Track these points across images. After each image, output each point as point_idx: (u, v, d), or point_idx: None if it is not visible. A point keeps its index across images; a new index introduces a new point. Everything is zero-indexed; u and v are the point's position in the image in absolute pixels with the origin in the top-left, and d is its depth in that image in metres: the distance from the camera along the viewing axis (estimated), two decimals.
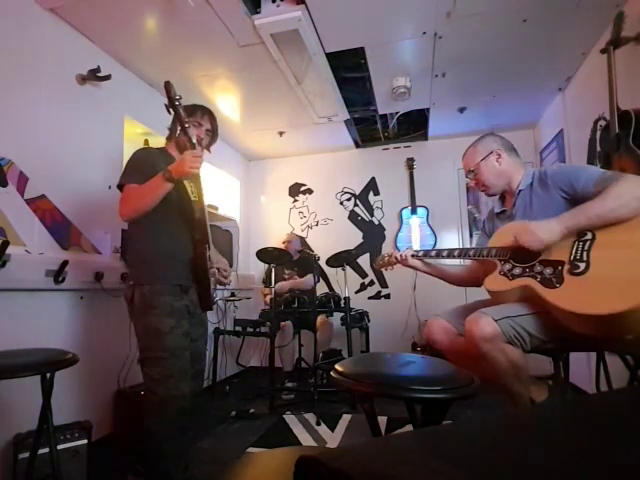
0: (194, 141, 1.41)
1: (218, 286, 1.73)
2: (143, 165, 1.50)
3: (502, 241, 1.42)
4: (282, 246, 3.44)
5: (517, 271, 1.32)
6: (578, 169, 1.35)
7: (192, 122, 1.53)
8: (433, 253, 1.63)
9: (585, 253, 1.18)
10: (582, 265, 1.17)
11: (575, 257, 1.20)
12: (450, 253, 1.57)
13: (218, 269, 1.67)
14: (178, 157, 1.58)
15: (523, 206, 1.46)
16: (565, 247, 1.23)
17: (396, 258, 1.69)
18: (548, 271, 1.23)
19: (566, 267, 1.20)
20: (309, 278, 3.25)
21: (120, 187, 1.50)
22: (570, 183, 1.31)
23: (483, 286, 1.41)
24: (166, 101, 1.39)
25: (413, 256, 1.66)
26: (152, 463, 1.47)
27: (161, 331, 1.42)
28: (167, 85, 1.34)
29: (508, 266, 1.35)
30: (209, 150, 1.68)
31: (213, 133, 1.65)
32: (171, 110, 1.40)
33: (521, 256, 1.32)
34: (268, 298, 3.06)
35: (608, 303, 1.05)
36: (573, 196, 1.31)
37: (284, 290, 3.23)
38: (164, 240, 1.51)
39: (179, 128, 1.47)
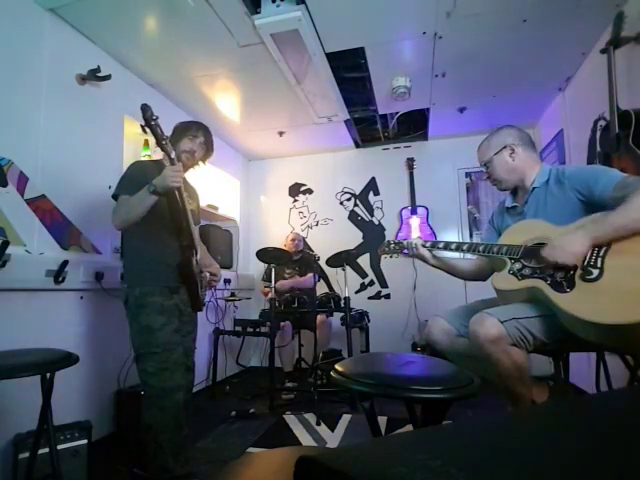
0: (172, 156, 1.50)
1: (208, 288, 1.84)
2: (136, 178, 1.59)
3: (514, 239, 1.39)
4: (292, 244, 3.44)
5: (527, 271, 1.29)
6: (598, 172, 1.31)
7: (188, 135, 1.68)
8: (441, 245, 1.59)
9: (599, 259, 1.15)
10: (595, 272, 1.14)
11: (589, 263, 1.16)
12: (459, 246, 1.54)
13: (209, 273, 1.80)
14: None
15: (535, 204, 1.43)
16: None
17: (404, 246, 1.66)
18: (560, 275, 1.20)
19: (578, 272, 1.17)
20: (310, 276, 3.25)
21: (115, 197, 1.61)
22: (588, 185, 1.28)
23: (490, 283, 1.38)
24: (142, 122, 1.44)
25: (423, 246, 1.61)
26: (151, 457, 1.51)
27: (153, 328, 1.53)
28: (144, 107, 1.41)
29: (518, 265, 1.32)
30: (204, 162, 1.80)
31: (207, 146, 1.75)
32: (147, 130, 1.45)
33: (532, 256, 1.30)
34: (269, 295, 3.06)
35: (620, 313, 1.02)
36: (590, 199, 1.27)
37: (285, 288, 3.23)
38: (154, 246, 1.62)
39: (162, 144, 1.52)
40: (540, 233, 1.31)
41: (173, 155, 1.51)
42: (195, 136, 1.70)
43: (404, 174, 3.80)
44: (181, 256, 1.64)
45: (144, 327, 1.53)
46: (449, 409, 0.92)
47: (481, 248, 1.45)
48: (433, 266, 1.64)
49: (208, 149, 1.76)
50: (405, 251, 1.68)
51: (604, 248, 1.17)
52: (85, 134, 2.10)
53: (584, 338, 1.13)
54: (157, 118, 1.44)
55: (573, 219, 1.25)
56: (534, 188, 1.44)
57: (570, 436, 0.36)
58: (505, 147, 1.48)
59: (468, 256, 1.61)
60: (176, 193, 1.55)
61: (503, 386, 1.24)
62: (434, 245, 1.61)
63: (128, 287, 1.60)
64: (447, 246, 1.56)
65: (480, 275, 1.63)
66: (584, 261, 1.18)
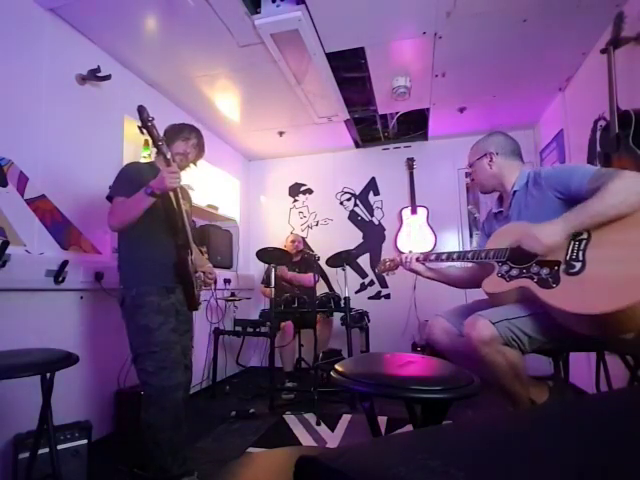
0: (168, 157, 1.51)
1: (204, 287, 1.85)
2: (131, 179, 1.59)
3: (500, 242, 1.42)
4: (291, 246, 3.44)
5: (514, 272, 1.32)
6: (571, 169, 1.34)
7: (181, 137, 1.69)
8: (433, 257, 1.64)
9: (581, 253, 1.18)
10: (578, 265, 1.17)
11: (571, 257, 1.19)
12: (449, 256, 1.58)
13: (204, 272, 1.80)
14: None
15: (518, 207, 1.46)
16: (561, 247, 1.23)
17: (399, 262, 1.72)
18: (545, 271, 1.23)
19: (562, 267, 1.20)
20: (310, 275, 3.25)
21: (109, 199, 1.61)
22: (564, 183, 1.31)
23: (481, 288, 1.41)
24: (139, 123, 1.45)
25: (417, 260, 1.67)
26: (150, 457, 1.51)
27: (150, 328, 1.53)
28: (140, 108, 1.42)
29: (505, 267, 1.36)
30: (195, 164, 1.80)
31: (199, 148, 1.76)
32: (144, 131, 1.47)
33: (518, 257, 1.33)
34: (269, 294, 3.06)
35: (602, 302, 1.05)
36: (568, 196, 1.30)
37: (285, 276, 3.22)
38: (149, 246, 1.63)
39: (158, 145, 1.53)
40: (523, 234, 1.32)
41: (169, 155, 1.52)
42: (188, 138, 1.71)
43: (404, 174, 3.80)
44: (177, 256, 1.64)
45: (142, 327, 1.53)
46: (449, 409, 0.92)
47: (470, 255, 1.50)
48: (428, 278, 1.69)
49: (200, 150, 1.78)
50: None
51: (584, 241, 1.20)
52: (85, 134, 2.09)
53: (579, 332, 1.15)
54: (153, 119, 1.45)
55: (554, 218, 1.26)
56: (515, 191, 1.48)
57: (570, 436, 0.36)
58: (485, 155, 1.54)
59: (465, 264, 1.63)
60: (171, 193, 1.56)
61: (500, 386, 1.26)
62: (427, 258, 1.67)
63: (124, 288, 1.59)
64: (438, 257, 1.62)
65: (474, 282, 1.65)
66: (566, 255, 1.20)
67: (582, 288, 1.13)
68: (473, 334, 1.23)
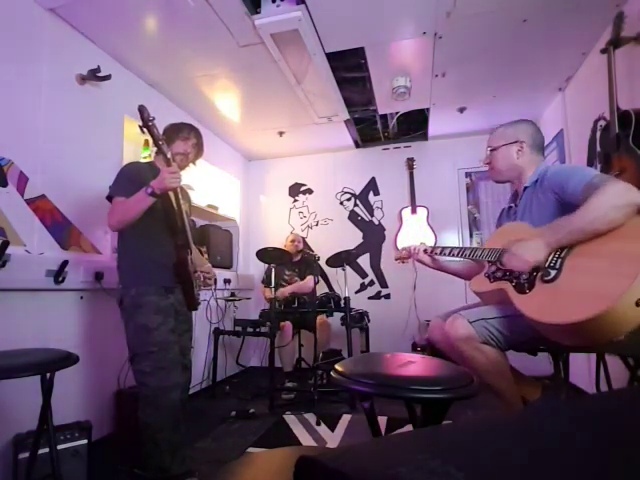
0: (169, 157, 1.53)
1: (203, 287, 1.86)
2: (131, 179, 1.60)
3: (497, 242, 1.41)
4: (291, 245, 3.43)
5: (499, 274, 1.34)
6: (570, 172, 1.30)
7: (180, 137, 1.70)
8: (438, 250, 1.69)
9: (559, 261, 1.17)
10: (553, 272, 1.16)
11: (550, 264, 1.18)
12: (451, 251, 1.62)
13: (202, 273, 1.81)
14: None
15: (524, 205, 1.44)
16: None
17: (409, 251, 1.78)
18: (524, 276, 1.24)
19: (540, 274, 1.19)
20: (309, 280, 3.25)
21: (109, 199, 1.61)
22: (561, 186, 1.29)
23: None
24: (140, 122, 1.46)
25: (425, 251, 1.73)
26: (148, 456, 1.51)
27: (149, 327, 1.53)
28: (141, 108, 1.43)
29: (493, 268, 1.37)
30: (194, 164, 1.82)
31: (199, 147, 1.77)
32: (145, 130, 1.48)
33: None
34: (269, 295, 3.05)
35: (564, 314, 1.04)
36: (563, 199, 1.29)
37: (285, 295, 3.22)
38: (149, 246, 1.63)
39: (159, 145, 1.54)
40: (519, 236, 1.31)
41: (169, 155, 1.53)
42: (187, 138, 1.71)
43: (404, 174, 3.80)
44: (177, 256, 1.65)
45: (141, 327, 1.53)
46: (449, 409, 0.92)
47: (467, 252, 1.53)
48: (434, 268, 1.75)
49: (199, 150, 1.78)
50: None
51: (566, 250, 1.18)
52: (85, 134, 2.09)
53: (547, 337, 1.15)
54: (154, 119, 1.46)
55: (553, 220, 1.25)
56: (525, 188, 1.46)
57: (570, 436, 0.36)
58: (516, 142, 1.47)
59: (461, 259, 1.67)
60: (171, 193, 1.57)
61: (485, 382, 1.26)
62: (433, 250, 1.72)
63: (123, 288, 1.60)
64: (442, 251, 1.67)
65: (472, 277, 1.66)
66: (546, 262, 1.20)
67: (551, 297, 1.12)
68: (451, 332, 1.29)
